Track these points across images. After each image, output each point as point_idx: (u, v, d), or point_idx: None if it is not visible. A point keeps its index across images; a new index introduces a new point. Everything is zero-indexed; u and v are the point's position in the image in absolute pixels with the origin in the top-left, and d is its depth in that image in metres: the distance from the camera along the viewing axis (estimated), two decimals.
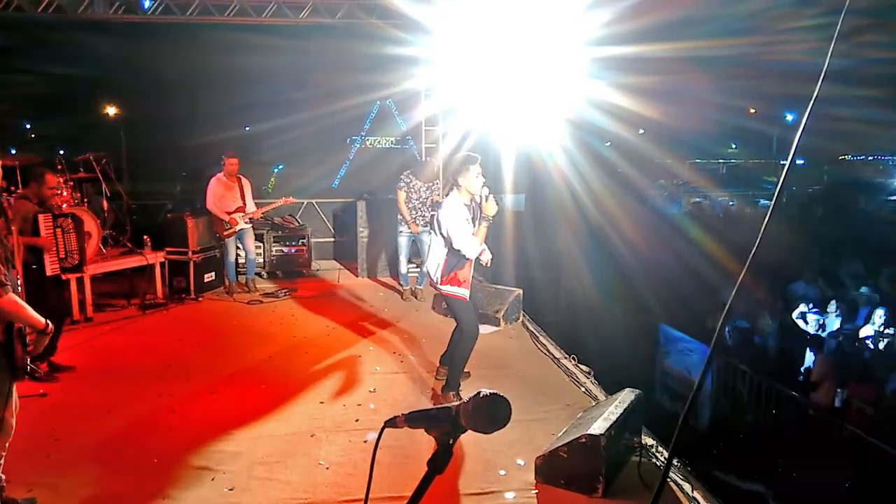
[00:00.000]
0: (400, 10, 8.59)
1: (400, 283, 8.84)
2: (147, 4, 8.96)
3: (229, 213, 8.50)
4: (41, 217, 5.74)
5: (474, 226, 5.01)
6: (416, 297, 8.55)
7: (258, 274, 9.81)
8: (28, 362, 3.16)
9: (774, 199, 1.52)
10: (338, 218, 11.61)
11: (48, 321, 3.16)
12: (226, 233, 8.52)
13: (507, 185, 10.79)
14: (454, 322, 5.25)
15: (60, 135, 12.36)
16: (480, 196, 4.95)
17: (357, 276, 9.92)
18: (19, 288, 3.32)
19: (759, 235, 1.37)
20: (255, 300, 8.46)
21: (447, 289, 5.07)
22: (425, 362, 6.08)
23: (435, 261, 5.10)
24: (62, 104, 12.16)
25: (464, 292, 5.06)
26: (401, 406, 5.16)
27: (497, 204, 4.98)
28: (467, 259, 5.00)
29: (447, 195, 5.14)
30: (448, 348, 5.36)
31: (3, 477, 3.47)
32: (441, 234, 5.01)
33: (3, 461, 3.42)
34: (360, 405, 5.12)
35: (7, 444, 3.27)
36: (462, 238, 4.88)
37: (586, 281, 11.08)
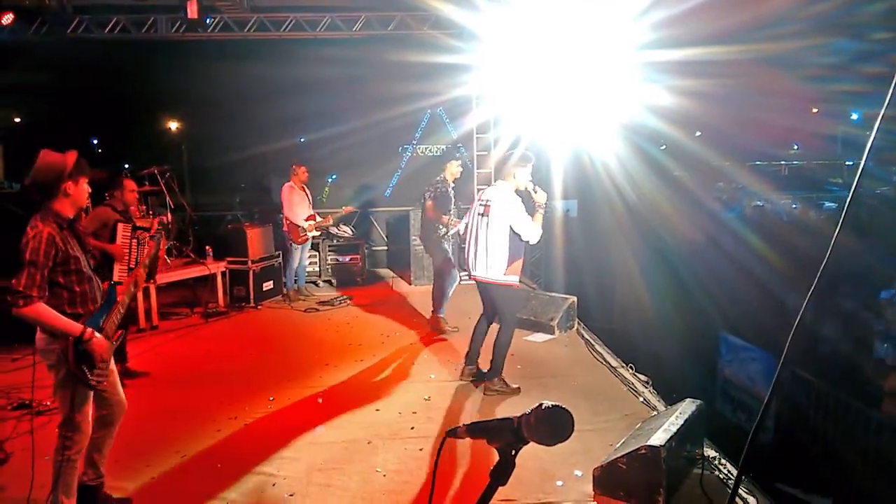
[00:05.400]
0: (452, 19, 8.66)
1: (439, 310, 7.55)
2: (207, 20, 9.27)
3: (304, 221, 8.83)
4: (120, 226, 5.92)
5: None
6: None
7: (314, 283, 10.03)
8: (85, 371, 3.27)
9: (846, 206, 1.46)
10: (391, 226, 11.74)
11: (86, 328, 3.25)
12: (300, 239, 8.79)
13: (558, 191, 10.70)
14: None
15: (126, 150, 12.88)
16: (527, 189, 5.43)
17: (410, 284, 10.00)
18: (98, 294, 3.47)
19: (831, 244, 1.32)
20: (312, 308, 8.62)
21: (509, 278, 5.38)
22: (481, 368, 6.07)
23: (496, 252, 5.32)
24: (127, 120, 12.68)
25: (517, 279, 5.47)
26: (455, 415, 5.17)
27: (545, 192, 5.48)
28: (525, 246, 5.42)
29: (496, 187, 5.50)
30: (493, 354, 5.49)
31: (104, 473, 3.67)
32: (499, 223, 5.29)
33: (104, 460, 3.64)
34: (415, 413, 5.15)
35: (84, 446, 3.41)
36: (529, 225, 5.28)
37: (641, 288, 10.88)
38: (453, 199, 7.45)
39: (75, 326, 3.23)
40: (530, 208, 5.42)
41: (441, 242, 7.38)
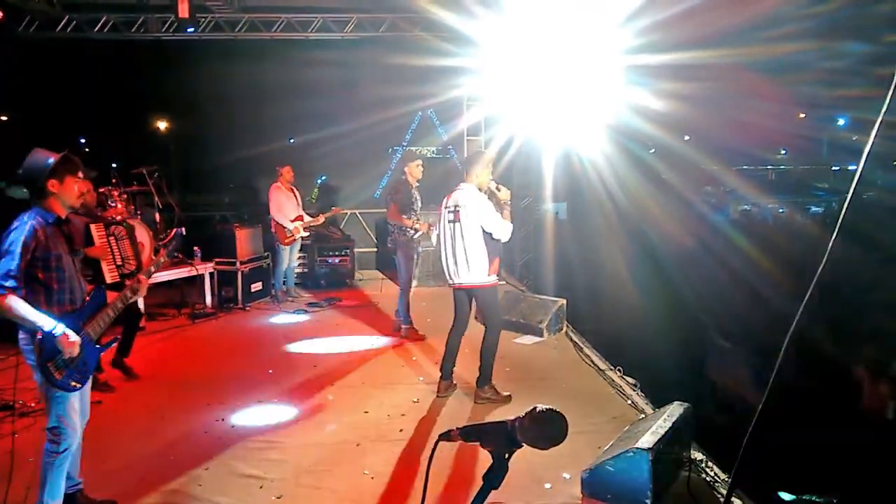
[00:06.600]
0: (443, 22, 8.66)
1: (405, 320, 7.41)
2: (191, 30, 9.20)
3: (291, 221, 8.75)
4: (93, 227, 5.86)
5: None
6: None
7: (304, 284, 9.99)
8: (50, 369, 3.20)
9: (843, 213, 1.47)
10: (380, 228, 11.72)
11: (57, 324, 3.19)
12: (287, 240, 8.74)
13: (548, 194, 10.74)
14: None
15: (114, 149, 12.79)
16: (489, 188, 5.37)
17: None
18: (79, 296, 3.42)
19: (828, 250, 1.33)
20: (301, 310, 8.59)
21: (491, 279, 5.32)
22: (469, 372, 6.05)
23: (476, 256, 5.21)
24: (116, 120, 12.59)
25: (496, 279, 5.41)
26: (445, 417, 5.17)
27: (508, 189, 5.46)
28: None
29: (459, 189, 5.34)
30: (481, 360, 5.42)
31: (80, 479, 3.64)
32: (472, 226, 5.19)
33: (76, 465, 3.59)
34: (403, 415, 5.14)
35: (71, 447, 3.36)
36: (499, 223, 5.21)
37: (630, 290, 10.91)
38: (419, 200, 7.19)
39: (47, 321, 3.17)
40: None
41: (410, 247, 7.12)
